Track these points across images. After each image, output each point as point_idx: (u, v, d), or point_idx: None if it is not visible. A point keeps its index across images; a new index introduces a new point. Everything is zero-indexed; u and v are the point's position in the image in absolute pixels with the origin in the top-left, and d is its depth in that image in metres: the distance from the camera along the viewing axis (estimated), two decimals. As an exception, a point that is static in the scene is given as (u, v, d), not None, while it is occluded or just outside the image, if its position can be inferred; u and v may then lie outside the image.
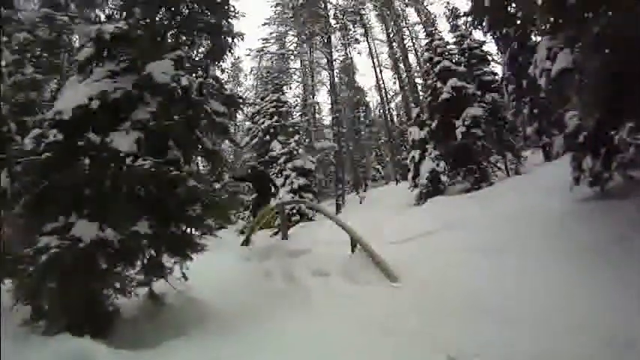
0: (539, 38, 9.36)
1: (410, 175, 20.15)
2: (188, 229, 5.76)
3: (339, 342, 4.52)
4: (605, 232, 6.01)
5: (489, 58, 22.20)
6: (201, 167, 8.82)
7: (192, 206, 5.58)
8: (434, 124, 18.85)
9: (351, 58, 40.64)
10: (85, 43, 5.82)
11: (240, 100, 7.42)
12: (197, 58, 6.80)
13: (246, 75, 41.89)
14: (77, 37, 12.51)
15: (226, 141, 7.29)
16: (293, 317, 5.38)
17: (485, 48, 22.19)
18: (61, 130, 4.99)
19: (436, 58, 19.16)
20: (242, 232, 17.64)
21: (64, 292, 4.62)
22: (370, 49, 40.01)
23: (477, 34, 21.18)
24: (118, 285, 5.13)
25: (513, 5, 10.04)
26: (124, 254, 4.95)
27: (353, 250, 7.87)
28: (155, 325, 5.10)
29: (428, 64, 19.95)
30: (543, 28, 7.49)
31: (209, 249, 5.99)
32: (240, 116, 29.69)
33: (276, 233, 16.05)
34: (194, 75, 6.28)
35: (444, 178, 18.49)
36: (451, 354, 4.01)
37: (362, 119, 43.25)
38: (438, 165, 18.27)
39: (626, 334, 3.71)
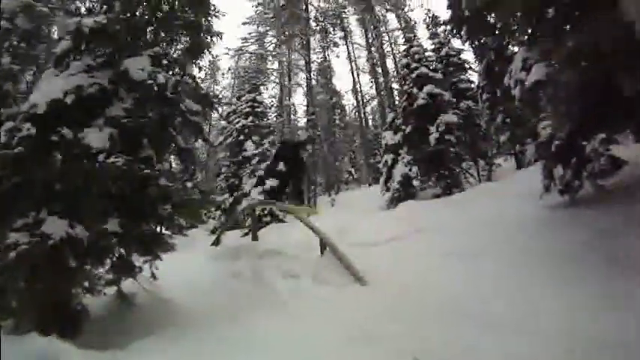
0: (516, 49, 9.51)
1: (382, 179, 20.29)
2: (158, 229, 5.73)
3: (308, 345, 4.53)
4: (577, 239, 6.11)
5: (467, 66, 22.53)
6: (174, 165, 8.74)
7: (163, 205, 5.55)
8: (408, 129, 19.02)
9: (329, 61, 40.88)
10: (64, 35, 5.73)
11: (215, 100, 7.42)
12: (175, 55, 6.75)
13: (223, 74, 41.75)
14: (56, 28, 12.34)
15: (200, 140, 7.25)
16: (263, 319, 5.37)
17: (463, 56, 22.59)
18: (34, 124, 4.89)
19: (413, 65, 19.34)
20: (213, 232, 17.59)
21: (33, 290, 4.57)
22: (349, 52, 40.40)
23: (456, 43, 21.50)
24: (86, 284, 5.08)
25: (493, 15, 10.18)
26: (93, 252, 4.88)
27: (322, 253, 7.89)
28: (124, 325, 5.06)
29: (405, 70, 20.11)
30: (521, 39, 7.61)
31: (179, 249, 5.97)
32: (215, 115, 29.65)
33: (246, 234, 16.02)
34: (171, 72, 6.24)
35: (416, 182, 18.68)
36: (416, 356, 4.04)
37: (337, 122, 43.26)
38: (410, 170, 18.47)
39: (607, 338, 3.78)
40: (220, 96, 30.94)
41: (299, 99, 53.95)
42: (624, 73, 6.19)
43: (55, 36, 11.56)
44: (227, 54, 37.84)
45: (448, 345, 4.20)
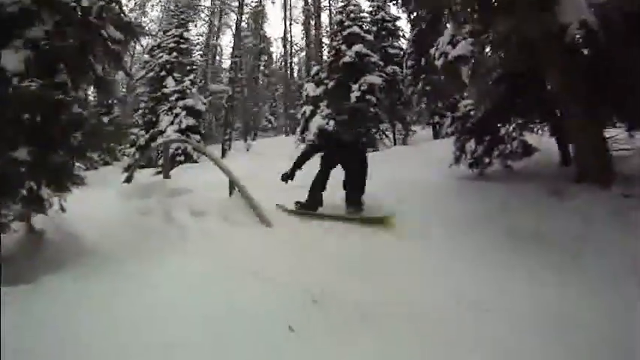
0: (448, 25, 9.72)
1: (299, 130, 20.44)
2: (70, 162, 5.54)
3: (215, 281, 4.60)
4: (474, 209, 6.58)
5: (400, 33, 22.88)
6: (91, 98, 8.39)
7: (74, 134, 5.36)
8: (331, 84, 19.22)
9: (264, 5, 40.40)
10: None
11: (139, 30, 7.16)
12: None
13: (153, 5, 40.21)
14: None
15: (120, 71, 7.00)
16: (171, 256, 5.36)
17: (398, 24, 22.87)
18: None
19: (347, 22, 19.54)
20: (126, 170, 17.22)
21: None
22: (285, 0, 39.81)
23: (393, 9, 21.75)
24: None
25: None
26: (2, 183, 4.68)
27: (231, 193, 8.07)
28: (33, 261, 4.88)
29: (338, 27, 20.15)
30: (456, 17, 7.78)
31: (91, 186, 5.85)
32: (138, 48, 28.55)
33: (159, 172, 15.80)
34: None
35: (331, 136, 18.91)
36: (314, 296, 4.22)
37: (262, 68, 42.90)
38: (327, 123, 18.61)
39: (491, 300, 4.18)
40: (147, 28, 29.81)
41: (226, 40, 52.98)
42: (552, 71, 6.51)
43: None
44: (160, -16, 36.62)
45: (347, 292, 4.42)
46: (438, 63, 8.70)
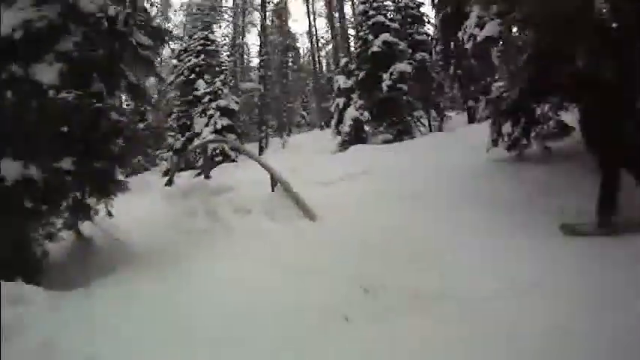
0: (475, 8, 9.57)
1: (334, 122, 20.34)
2: (112, 168, 5.63)
3: (261, 278, 4.65)
4: (514, 191, 6.42)
5: (425, 19, 22.65)
6: (124, 105, 8.47)
7: (114, 140, 5.45)
8: (361, 75, 19.07)
9: (286, 1, 40.22)
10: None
11: (167, 34, 7.22)
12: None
13: (175, 11, 40.55)
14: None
15: (151, 78, 7.05)
16: (216, 255, 5.46)
17: (422, 9, 22.67)
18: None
19: (371, 12, 19.32)
20: (165, 174, 17.46)
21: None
22: (307, -6, 39.74)
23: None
24: (45, 229, 4.95)
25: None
26: (49, 194, 4.75)
27: (273, 189, 8.02)
28: (83, 267, 5.03)
29: (362, 17, 20.00)
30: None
31: (133, 192, 5.95)
32: (166, 53, 28.87)
33: (199, 174, 15.95)
34: (121, 6, 6.02)
35: (366, 127, 18.80)
36: (364, 286, 4.22)
37: (290, 64, 42.89)
38: (361, 114, 18.57)
39: (532, 279, 4.07)
40: (172, 32, 30.14)
41: (252, 39, 53.15)
42: (578, 49, 6.32)
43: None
44: (181, -12, 36.90)
45: (395, 279, 4.41)
46: (467, 46, 8.60)
